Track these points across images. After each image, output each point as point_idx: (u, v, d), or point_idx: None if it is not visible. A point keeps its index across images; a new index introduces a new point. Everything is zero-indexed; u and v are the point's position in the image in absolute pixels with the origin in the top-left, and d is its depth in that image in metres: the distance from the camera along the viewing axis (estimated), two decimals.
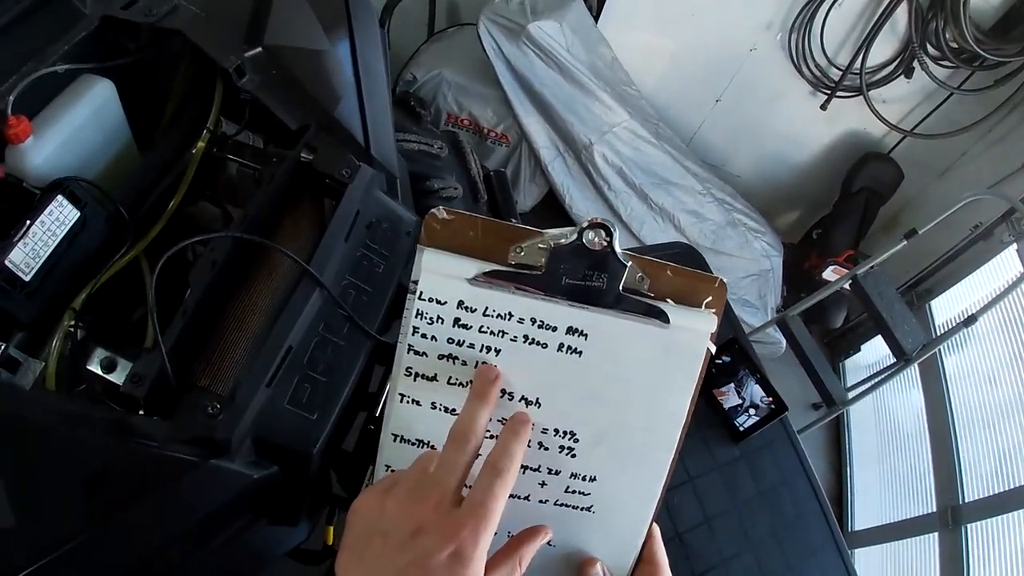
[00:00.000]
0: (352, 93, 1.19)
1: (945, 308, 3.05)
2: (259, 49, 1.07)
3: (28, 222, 0.86)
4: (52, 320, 0.91)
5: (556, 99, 2.87)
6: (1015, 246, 2.57)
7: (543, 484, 0.61)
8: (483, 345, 0.56)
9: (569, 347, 0.55)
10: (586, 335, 0.55)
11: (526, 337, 0.55)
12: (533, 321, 0.55)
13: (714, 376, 1.46)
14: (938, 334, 2.65)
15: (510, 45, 2.77)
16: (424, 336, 0.56)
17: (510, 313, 0.54)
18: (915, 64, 2.82)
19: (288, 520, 0.94)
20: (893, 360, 2.54)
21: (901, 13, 2.73)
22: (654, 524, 0.64)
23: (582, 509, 0.62)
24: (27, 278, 0.86)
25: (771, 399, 1.43)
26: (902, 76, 2.90)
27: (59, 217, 0.89)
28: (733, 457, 1.42)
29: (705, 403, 1.44)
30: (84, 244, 0.94)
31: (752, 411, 1.43)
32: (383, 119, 1.24)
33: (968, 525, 2.27)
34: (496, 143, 3.13)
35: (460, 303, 0.54)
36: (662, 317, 0.55)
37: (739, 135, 3.41)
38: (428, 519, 0.49)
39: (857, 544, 2.75)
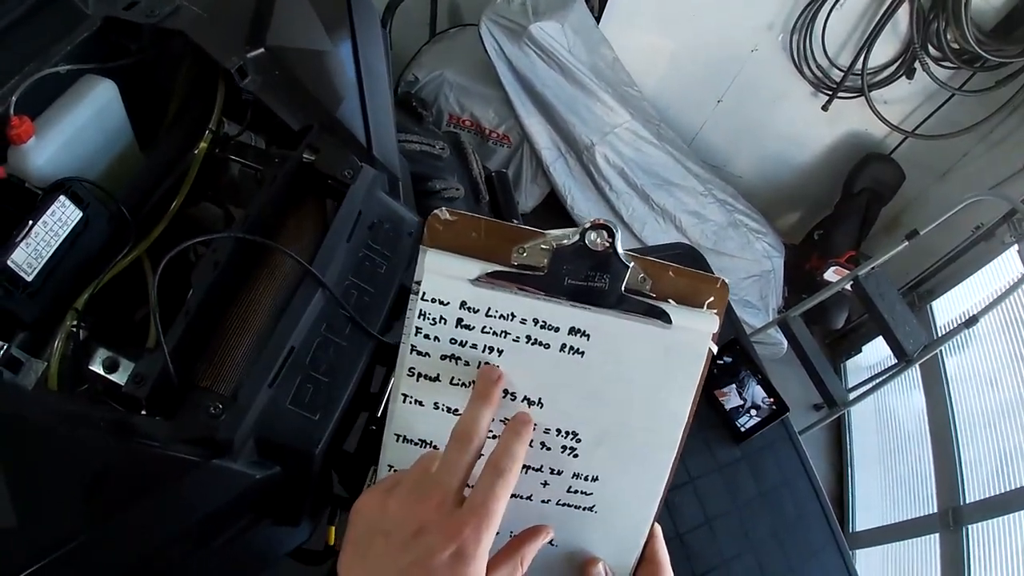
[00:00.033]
0: (354, 94, 1.19)
1: (946, 309, 3.05)
2: (261, 50, 1.07)
3: (30, 222, 0.86)
4: (54, 320, 0.91)
5: (558, 100, 2.87)
6: (1016, 247, 2.57)
7: (545, 484, 0.61)
8: (486, 345, 0.56)
9: (571, 347, 0.55)
10: (588, 335, 0.55)
11: (528, 337, 0.55)
12: (535, 321, 0.55)
13: (715, 377, 1.46)
14: (939, 335, 2.65)
15: (512, 46, 2.77)
16: (427, 336, 0.56)
17: (513, 313, 0.54)
18: (916, 65, 2.82)
19: (290, 520, 0.95)
20: (894, 361, 2.54)
21: (902, 14, 2.72)
22: (656, 524, 0.64)
23: (584, 509, 0.62)
24: (29, 278, 0.86)
25: (772, 400, 1.43)
26: (903, 77, 2.90)
27: (61, 217, 0.90)
28: (734, 458, 1.42)
29: (706, 404, 1.44)
30: (86, 244, 0.94)
31: (753, 412, 1.43)
32: (385, 120, 1.24)
33: (969, 526, 2.27)
34: (498, 144, 3.13)
35: (463, 303, 0.54)
36: (664, 317, 0.55)
37: (740, 136, 3.41)
38: (430, 519, 0.49)
39: (858, 545, 2.75)
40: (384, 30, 1.56)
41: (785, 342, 2.96)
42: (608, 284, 0.54)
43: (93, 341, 0.92)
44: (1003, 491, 2.21)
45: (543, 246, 0.54)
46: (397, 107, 1.83)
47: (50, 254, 0.88)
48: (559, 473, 0.60)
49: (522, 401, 0.57)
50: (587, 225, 0.53)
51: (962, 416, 2.58)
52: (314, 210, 1.08)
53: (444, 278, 0.54)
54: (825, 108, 3.12)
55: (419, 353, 0.57)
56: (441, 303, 0.55)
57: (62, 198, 0.90)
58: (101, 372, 0.90)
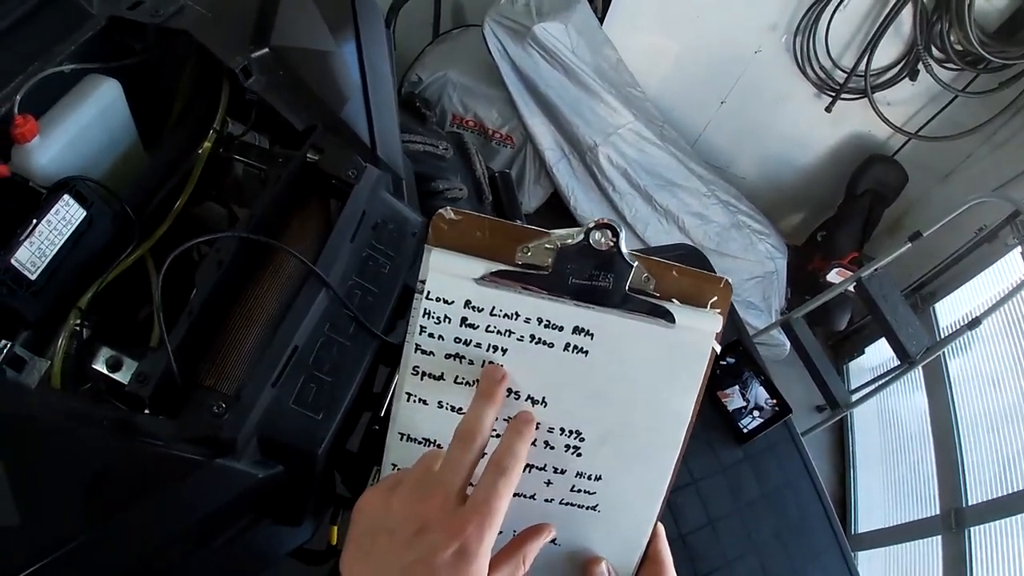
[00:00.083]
0: (358, 94, 1.20)
1: (949, 311, 3.04)
2: (266, 50, 1.07)
3: (34, 221, 0.86)
4: (58, 319, 0.91)
5: (561, 101, 2.87)
6: (1019, 249, 2.56)
7: (549, 483, 0.61)
8: (490, 344, 0.56)
9: (575, 347, 0.55)
10: (592, 335, 0.55)
11: (533, 337, 0.55)
12: (540, 321, 0.55)
13: (718, 378, 1.46)
14: (942, 337, 2.64)
15: (515, 46, 2.77)
16: (431, 335, 0.56)
17: (517, 313, 0.55)
18: (920, 66, 2.81)
19: (292, 520, 0.95)
20: (897, 363, 2.53)
21: (906, 15, 2.72)
22: (659, 523, 0.64)
23: (587, 508, 0.62)
24: (33, 277, 0.86)
25: (775, 401, 1.43)
26: (907, 78, 2.90)
27: (65, 216, 0.90)
28: (737, 459, 1.42)
29: (709, 405, 1.44)
30: (90, 243, 0.94)
31: (756, 413, 1.43)
32: (389, 120, 1.24)
33: (971, 528, 2.26)
34: (501, 144, 3.13)
35: (467, 303, 0.54)
36: (668, 317, 0.55)
37: (744, 137, 3.41)
38: (433, 517, 0.49)
39: (860, 547, 2.74)
40: (388, 30, 1.56)
41: (788, 343, 2.96)
42: (612, 283, 0.54)
43: (96, 340, 0.92)
44: (1006, 493, 2.21)
45: (547, 245, 0.54)
46: (401, 107, 1.83)
47: (54, 253, 0.88)
48: (562, 472, 0.60)
49: (526, 400, 0.57)
50: (591, 224, 0.53)
51: (965, 418, 2.57)
52: (318, 210, 1.08)
53: (449, 277, 0.54)
54: (828, 109, 3.12)
55: (423, 352, 0.57)
56: (445, 302, 0.55)
57: (66, 197, 0.90)
58: (104, 371, 0.90)
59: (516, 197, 2.12)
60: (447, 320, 0.55)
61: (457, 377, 0.57)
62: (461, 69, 2.99)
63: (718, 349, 0.56)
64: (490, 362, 0.56)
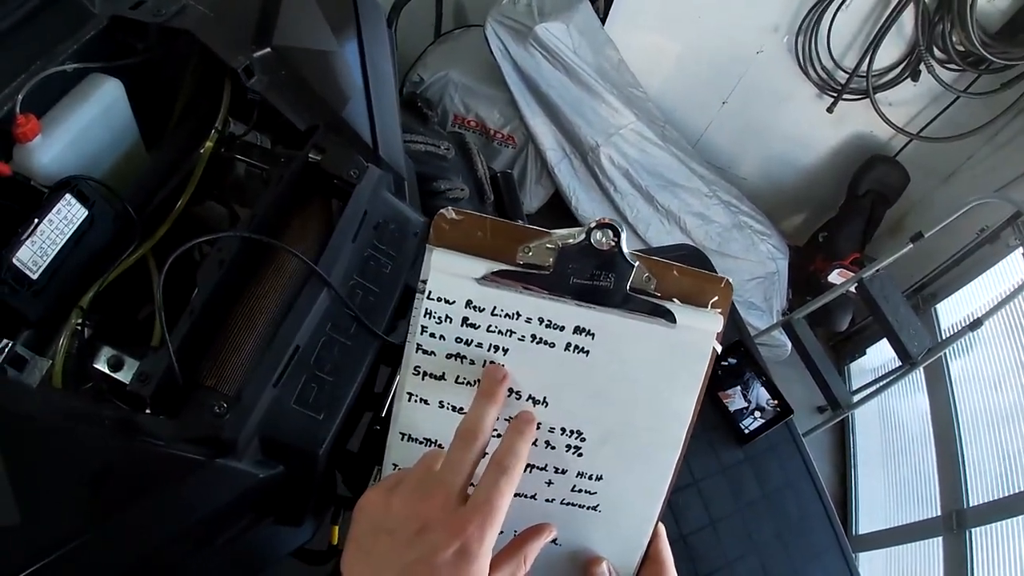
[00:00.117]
0: (360, 94, 1.20)
1: (951, 312, 3.04)
2: (268, 50, 1.07)
3: (36, 220, 0.86)
4: (59, 318, 0.91)
5: (563, 101, 2.87)
6: (1021, 250, 2.56)
7: (550, 483, 0.61)
8: (491, 344, 0.56)
9: (576, 346, 0.55)
10: (593, 335, 0.55)
11: (534, 336, 0.55)
12: (541, 320, 0.55)
13: (720, 379, 1.46)
14: (943, 338, 2.64)
15: (517, 47, 2.77)
16: (432, 335, 0.56)
17: (518, 312, 0.55)
18: (921, 67, 2.81)
19: (293, 520, 0.95)
20: (898, 364, 2.53)
21: (908, 16, 2.72)
22: (659, 523, 0.64)
23: (588, 508, 0.62)
24: (35, 276, 0.86)
25: (776, 402, 1.43)
26: (908, 79, 2.89)
27: (67, 216, 0.90)
28: (738, 460, 1.42)
29: (711, 405, 1.44)
30: (92, 243, 0.94)
31: (757, 414, 1.43)
32: (391, 120, 1.24)
33: (972, 529, 2.26)
34: (502, 144, 3.13)
35: (468, 302, 0.55)
36: (668, 317, 0.55)
37: (745, 137, 3.40)
38: (434, 516, 0.49)
39: (861, 548, 2.74)
40: (390, 30, 1.56)
41: (789, 344, 2.96)
42: (613, 283, 0.54)
43: (98, 339, 0.93)
44: (1007, 494, 2.21)
45: (548, 245, 0.54)
46: (402, 107, 1.83)
47: (55, 252, 0.88)
48: (563, 472, 0.60)
49: (527, 400, 0.57)
50: (592, 224, 0.53)
51: (966, 419, 2.57)
52: (319, 210, 1.08)
53: (450, 277, 0.54)
54: (830, 110, 3.11)
55: (424, 352, 0.57)
56: (447, 302, 0.55)
57: (68, 196, 0.90)
58: (106, 370, 0.90)
59: (518, 197, 2.11)
60: (448, 320, 0.55)
61: (458, 377, 0.57)
62: (463, 69, 2.99)
63: (719, 349, 0.56)
64: (491, 362, 0.56)
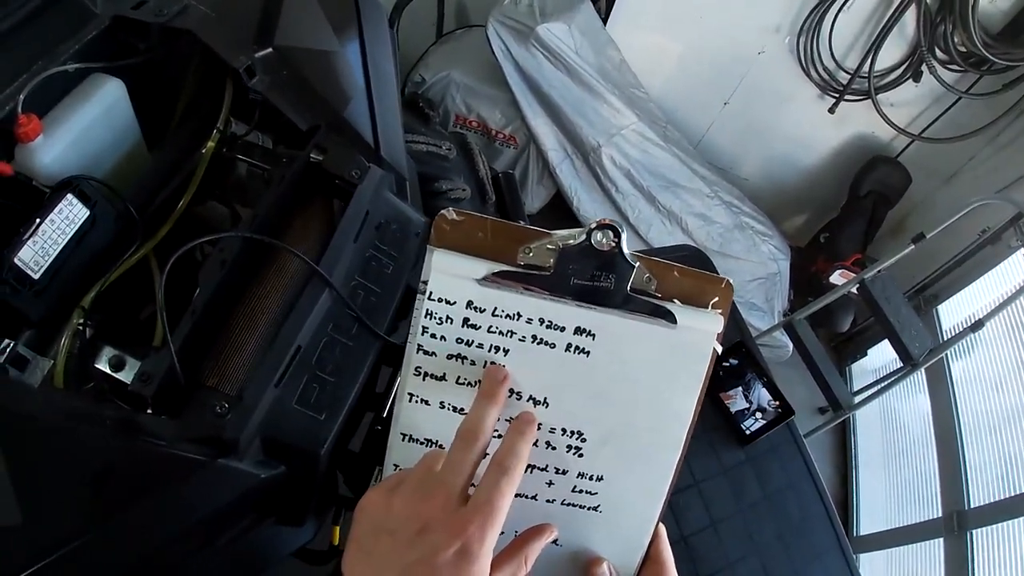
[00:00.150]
0: (362, 94, 1.20)
1: (952, 313, 3.03)
2: (269, 50, 1.07)
3: (38, 220, 0.86)
4: (61, 318, 0.91)
5: (564, 101, 2.87)
6: (1023, 251, 2.56)
7: (550, 484, 0.61)
8: (492, 345, 0.56)
9: (577, 347, 0.56)
10: (594, 335, 0.55)
11: (534, 337, 0.55)
12: (541, 321, 0.55)
13: (721, 379, 1.46)
14: (945, 339, 2.64)
15: (519, 47, 2.77)
16: (433, 336, 0.56)
17: (519, 313, 0.55)
18: (923, 68, 2.81)
19: (294, 520, 0.95)
20: (900, 365, 2.53)
21: (909, 17, 2.72)
22: (660, 524, 0.64)
23: (589, 509, 0.62)
24: (36, 276, 0.86)
25: (778, 403, 1.43)
26: (910, 80, 2.89)
27: (69, 216, 0.90)
28: (739, 461, 1.42)
29: (712, 406, 1.44)
30: (93, 243, 0.94)
31: (759, 415, 1.43)
32: (392, 120, 1.24)
33: (973, 530, 2.26)
34: (504, 145, 3.13)
35: (469, 303, 0.55)
36: (669, 317, 0.55)
37: (747, 138, 3.40)
38: (435, 517, 0.49)
39: (862, 549, 2.74)
40: (392, 30, 1.56)
41: (790, 345, 2.96)
42: (614, 284, 0.54)
43: (99, 339, 0.93)
44: (1008, 496, 2.20)
45: (549, 246, 0.54)
46: (404, 108, 1.83)
47: (57, 252, 0.88)
48: (564, 473, 0.60)
49: (527, 401, 0.57)
50: (593, 225, 0.53)
51: (967, 420, 2.57)
52: (321, 210, 1.08)
53: (451, 278, 0.54)
54: (832, 111, 3.11)
55: (425, 352, 0.57)
56: (448, 303, 0.55)
57: (69, 196, 0.90)
58: (107, 370, 0.90)
59: (519, 198, 2.11)
60: (449, 321, 0.55)
61: (459, 377, 0.57)
62: (464, 69, 2.99)
63: (719, 349, 0.56)
64: (492, 362, 0.56)
